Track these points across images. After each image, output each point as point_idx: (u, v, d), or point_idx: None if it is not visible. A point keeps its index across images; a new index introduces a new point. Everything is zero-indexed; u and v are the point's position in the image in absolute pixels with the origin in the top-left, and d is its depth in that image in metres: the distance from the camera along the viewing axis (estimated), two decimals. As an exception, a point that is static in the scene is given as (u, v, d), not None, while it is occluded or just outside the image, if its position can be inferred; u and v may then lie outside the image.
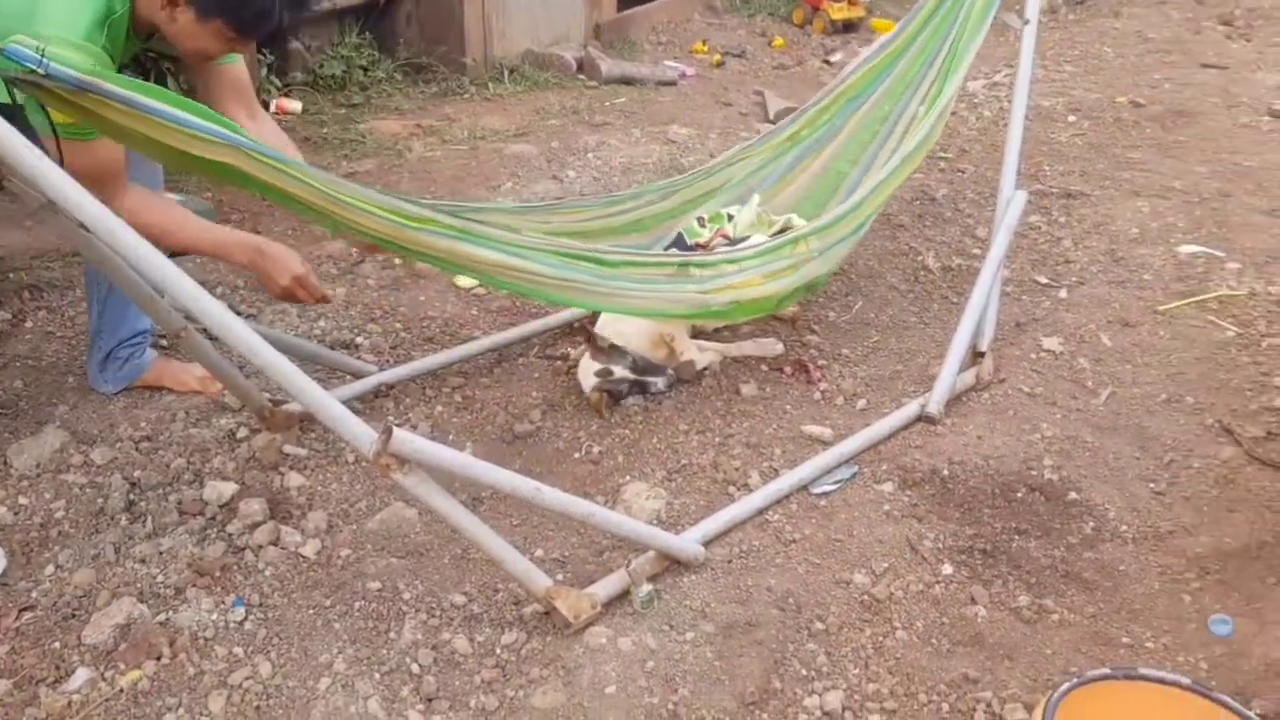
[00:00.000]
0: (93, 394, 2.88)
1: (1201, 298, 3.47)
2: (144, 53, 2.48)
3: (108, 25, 2.20)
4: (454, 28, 5.71)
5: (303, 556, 2.33)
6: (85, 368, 2.91)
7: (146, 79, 4.28)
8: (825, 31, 7.18)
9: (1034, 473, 2.62)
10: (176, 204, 2.33)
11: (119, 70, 2.19)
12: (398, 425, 2.13)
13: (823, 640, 2.12)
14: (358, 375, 2.94)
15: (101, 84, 1.82)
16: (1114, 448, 2.72)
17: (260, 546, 2.34)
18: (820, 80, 5.93)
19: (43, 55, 1.76)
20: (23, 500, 2.49)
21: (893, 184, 3.13)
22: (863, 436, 2.71)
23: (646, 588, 2.19)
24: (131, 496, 2.50)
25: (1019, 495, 2.55)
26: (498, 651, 2.08)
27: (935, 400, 2.80)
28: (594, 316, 3.03)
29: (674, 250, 3.19)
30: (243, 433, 2.73)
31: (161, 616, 2.15)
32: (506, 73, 5.88)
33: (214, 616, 2.15)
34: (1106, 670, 1.85)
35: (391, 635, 2.12)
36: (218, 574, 2.27)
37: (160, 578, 2.26)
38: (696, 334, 3.15)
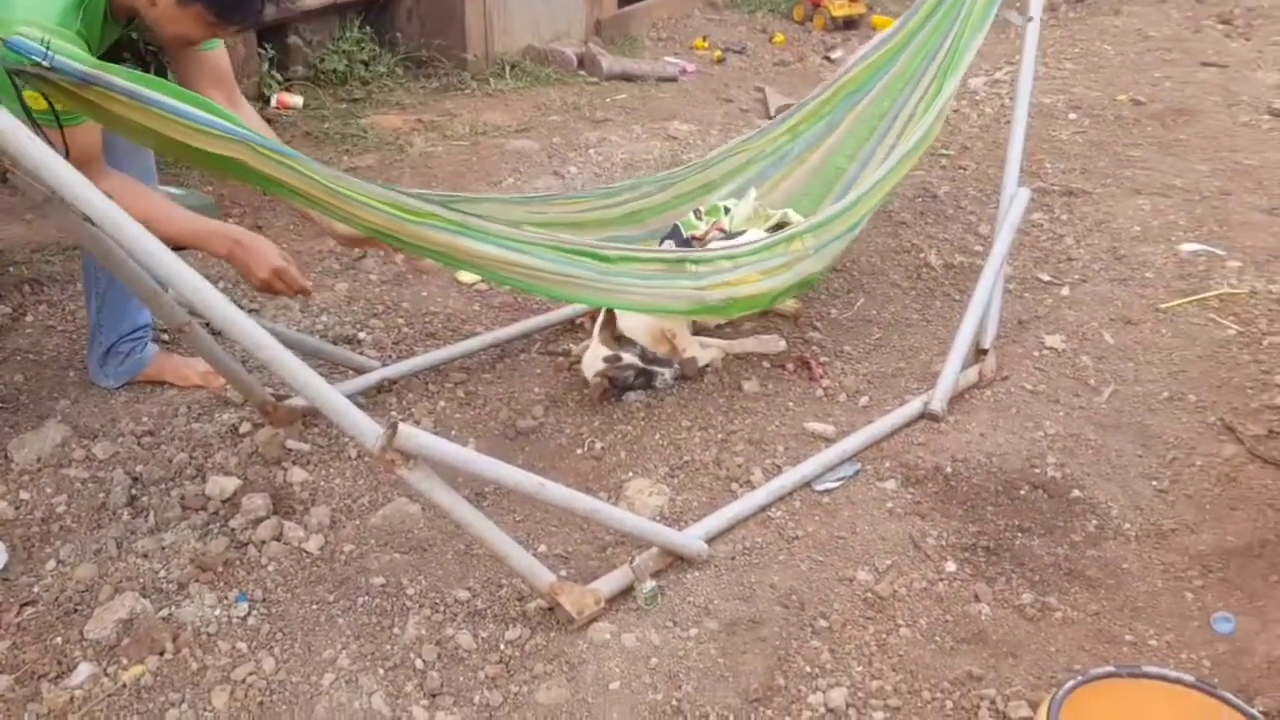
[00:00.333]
0: (94, 388, 2.87)
1: (1203, 296, 3.47)
2: (126, 38, 2.46)
3: (83, 9, 2.17)
4: (455, 23, 5.70)
5: (306, 552, 2.33)
6: (86, 362, 2.90)
7: (147, 70, 4.29)
8: (826, 28, 7.17)
9: (1037, 470, 2.62)
10: (155, 193, 2.30)
11: (99, 57, 2.17)
12: (401, 421, 2.13)
13: (826, 637, 2.13)
14: (360, 371, 2.94)
15: (106, 77, 1.82)
16: (1116, 445, 2.72)
17: (263, 542, 2.34)
18: (821, 77, 5.92)
19: (48, 48, 1.75)
20: (24, 495, 2.49)
21: (889, 183, 3.13)
22: (865, 433, 2.71)
23: (650, 584, 2.19)
24: (133, 491, 2.50)
25: (1022, 493, 2.55)
26: (501, 647, 2.08)
27: (938, 397, 2.80)
28: (595, 312, 3.02)
29: (670, 243, 3.19)
30: (245, 428, 2.72)
31: (164, 612, 2.15)
32: (507, 68, 5.87)
33: (217, 612, 2.15)
34: (1111, 668, 1.85)
35: (395, 631, 2.12)
36: (220, 569, 2.26)
37: (163, 573, 2.25)
38: (698, 330, 3.15)
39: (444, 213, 2.28)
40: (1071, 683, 1.77)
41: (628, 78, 6.01)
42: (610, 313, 2.92)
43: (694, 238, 3.19)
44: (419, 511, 2.45)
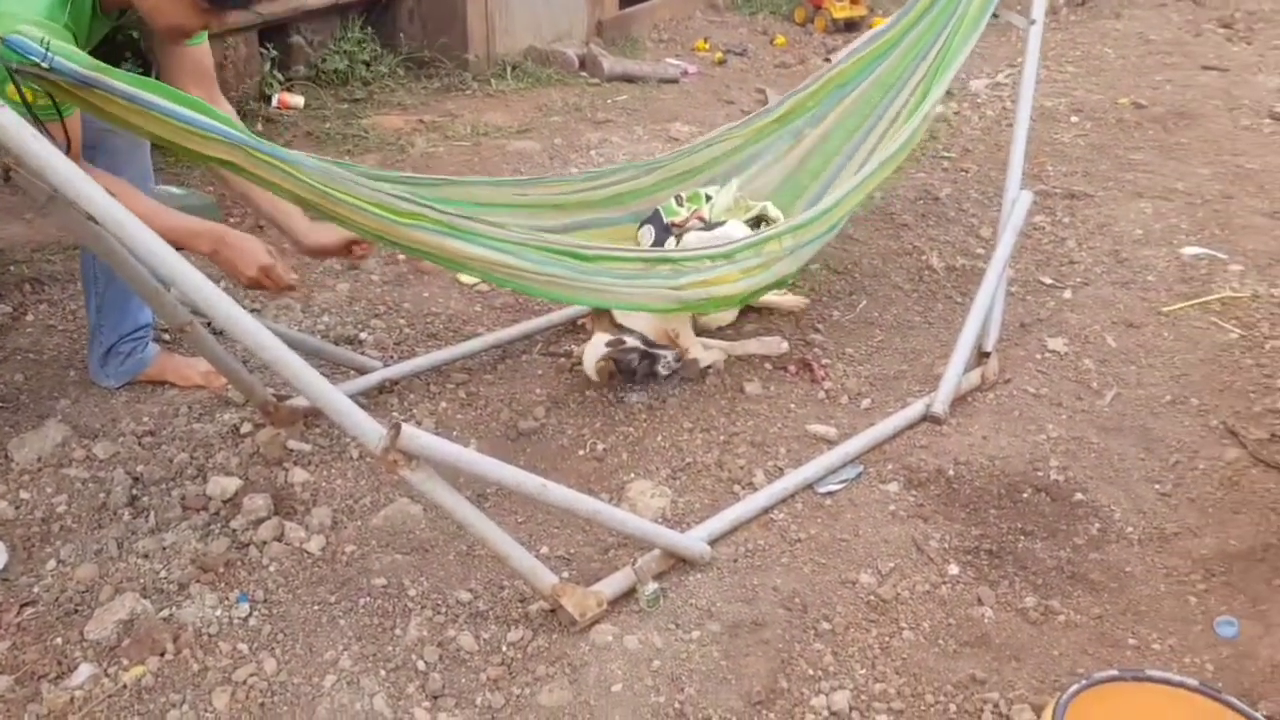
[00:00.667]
0: (94, 388, 2.86)
1: (1205, 299, 3.47)
2: (127, 39, 2.45)
3: (70, 2, 2.15)
4: (456, 23, 5.69)
5: (307, 552, 2.32)
6: (86, 362, 2.89)
7: (147, 73, 4.29)
8: (827, 30, 7.17)
9: (1040, 473, 2.62)
10: (139, 192, 2.29)
11: (91, 52, 2.16)
12: (403, 421, 2.12)
13: (829, 640, 2.12)
14: (362, 371, 2.93)
15: (105, 80, 1.83)
16: (1119, 449, 2.72)
17: (264, 542, 2.33)
18: (822, 79, 5.92)
19: (47, 48, 1.75)
20: (24, 494, 2.48)
21: (868, 187, 3.12)
22: (868, 436, 2.71)
23: (652, 586, 2.18)
24: (134, 491, 2.49)
25: (1025, 496, 2.55)
26: (503, 649, 2.08)
27: (940, 400, 2.80)
28: (596, 312, 3.02)
29: (649, 228, 3.19)
30: (246, 428, 2.71)
31: (165, 612, 2.14)
32: (509, 69, 5.86)
33: (218, 612, 2.14)
34: (1115, 672, 1.85)
35: (397, 632, 2.11)
36: (221, 570, 2.26)
37: (164, 573, 2.25)
38: (700, 332, 3.14)
39: (431, 214, 2.29)
40: (1076, 686, 1.77)
41: (629, 79, 6.01)
42: (595, 319, 2.92)
43: (674, 224, 3.18)
44: (421, 512, 2.45)
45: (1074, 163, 4.71)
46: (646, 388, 2.96)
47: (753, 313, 3.35)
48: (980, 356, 3.02)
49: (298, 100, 5.08)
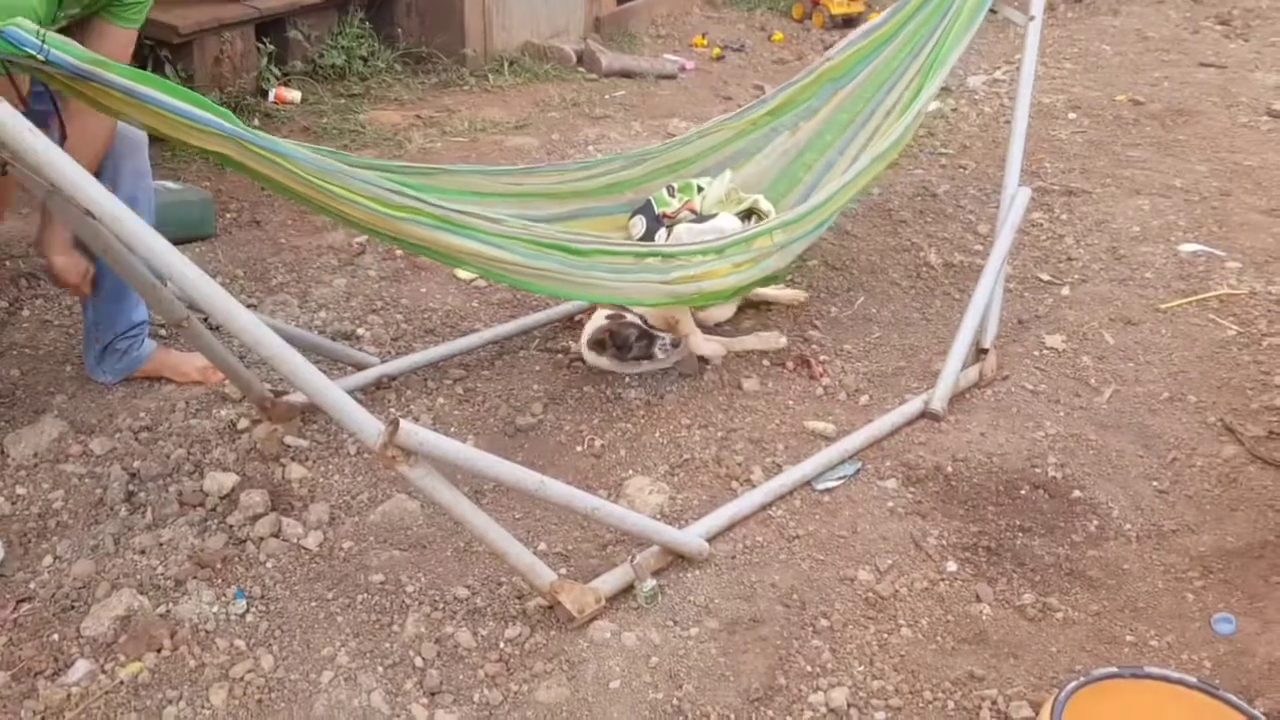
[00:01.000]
0: (91, 383, 2.85)
1: (1203, 296, 3.47)
2: (85, 17, 2.39)
3: None
4: (454, 19, 5.68)
5: (304, 549, 2.31)
6: (83, 358, 2.88)
7: (144, 66, 4.28)
8: (825, 26, 7.16)
9: (1038, 470, 2.62)
10: None
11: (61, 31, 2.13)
12: (401, 417, 2.12)
13: (827, 637, 2.12)
14: (359, 367, 2.93)
15: (101, 73, 1.82)
16: (1117, 446, 2.72)
17: (261, 538, 2.33)
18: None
19: (43, 41, 1.74)
20: (20, 490, 2.47)
21: (860, 183, 3.12)
22: (866, 432, 2.71)
23: (650, 583, 2.18)
24: (131, 487, 2.48)
25: (1023, 493, 2.55)
26: (501, 645, 2.08)
27: (938, 397, 2.79)
28: (594, 308, 3.02)
29: (641, 218, 3.18)
30: (243, 424, 2.71)
31: (162, 608, 2.14)
32: (506, 64, 5.85)
33: (215, 609, 2.14)
34: (1113, 669, 1.84)
35: (394, 628, 2.11)
36: (219, 566, 2.25)
37: (160, 569, 2.24)
38: (699, 328, 3.14)
39: (425, 208, 2.29)
40: (1074, 683, 1.76)
41: (627, 74, 6.00)
42: (590, 316, 2.93)
43: (665, 215, 3.17)
44: (418, 508, 2.44)
45: (1072, 160, 4.71)
46: (644, 383, 2.96)
47: (750, 308, 3.35)
48: (978, 353, 3.02)
49: (295, 95, 5.06)
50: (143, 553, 2.29)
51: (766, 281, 3.16)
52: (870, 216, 4.08)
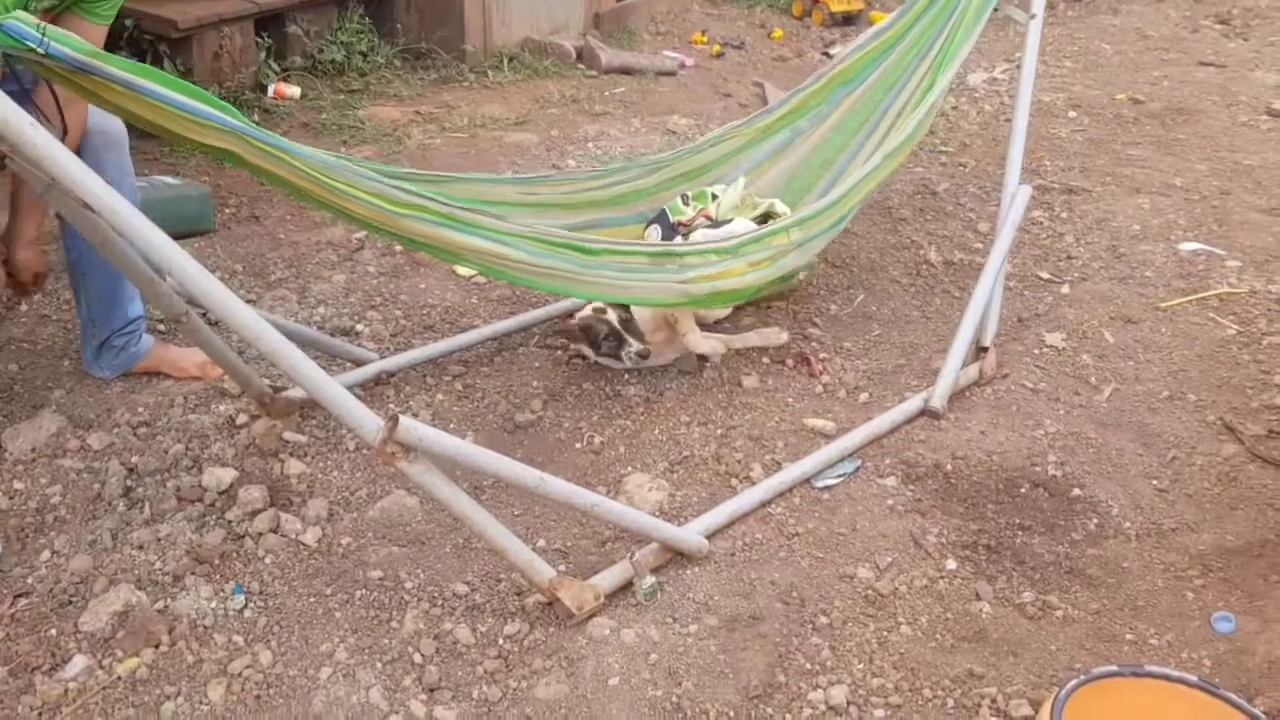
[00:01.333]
0: (89, 378, 2.85)
1: (1203, 295, 3.47)
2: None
3: None
4: (454, 14, 5.67)
5: (303, 544, 2.31)
6: (80, 353, 2.87)
7: (143, 60, 4.27)
8: (824, 24, 7.15)
9: (1037, 469, 2.61)
10: None
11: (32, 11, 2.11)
12: (401, 413, 2.11)
13: (827, 634, 2.12)
14: (358, 363, 2.92)
15: (102, 66, 1.82)
16: (1117, 444, 2.72)
17: (260, 534, 2.32)
18: (820, 73, 5.91)
19: (43, 35, 1.74)
20: (18, 485, 2.47)
21: (876, 179, 3.12)
22: (865, 430, 2.71)
23: (650, 580, 2.18)
24: (129, 482, 2.48)
25: (1023, 491, 2.54)
26: (500, 642, 2.07)
27: (938, 395, 2.79)
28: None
29: (656, 227, 3.18)
30: (242, 419, 2.70)
31: (160, 604, 2.13)
32: (506, 61, 5.84)
33: (213, 604, 2.13)
34: (1113, 667, 1.84)
35: (393, 625, 2.10)
36: (217, 561, 2.25)
37: (159, 565, 2.24)
38: (699, 325, 3.13)
39: (431, 205, 2.28)
40: (1074, 682, 1.76)
41: (626, 71, 5.99)
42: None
43: (680, 224, 3.17)
44: (417, 504, 2.44)
45: (1072, 158, 4.71)
46: (644, 380, 2.96)
47: (750, 306, 3.35)
48: (978, 351, 3.02)
49: (294, 91, 5.05)
50: (141, 548, 2.28)
51: (785, 279, 3.14)
52: (870, 214, 4.07)
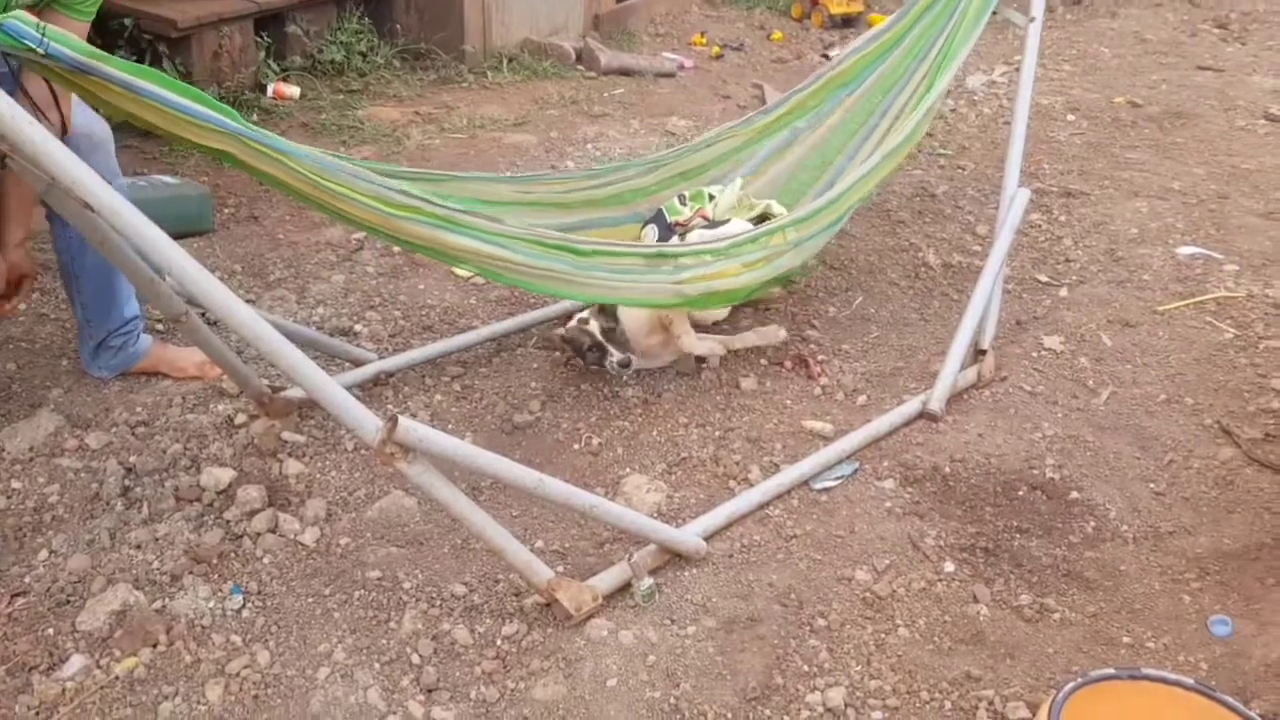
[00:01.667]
0: (87, 378, 2.85)
1: (1200, 299, 3.48)
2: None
3: None
4: (453, 15, 5.67)
5: (301, 544, 2.31)
6: (79, 352, 2.87)
7: (142, 60, 4.27)
8: (824, 26, 7.16)
9: (1035, 471, 2.62)
10: None
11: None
12: (400, 414, 2.11)
13: (825, 636, 2.12)
14: (357, 363, 2.92)
15: (101, 67, 1.83)
16: (1115, 447, 2.72)
17: (258, 534, 2.32)
18: (819, 75, 5.90)
19: (43, 35, 1.74)
20: (15, 484, 2.46)
21: (873, 180, 3.13)
22: (864, 432, 2.71)
23: (648, 581, 2.18)
24: (127, 482, 2.47)
25: (1020, 494, 2.55)
26: (498, 643, 2.07)
27: (937, 397, 2.79)
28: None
29: (653, 228, 3.18)
30: (241, 419, 2.70)
31: (158, 604, 2.13)
32: (505, 62, 5.84)
33: (211, 604, 2.13)
34: (1110, 670, 1.84)
35: (391, 625, 2.10)
36: (215, 561, 2.25)
37: (156, 564, 2.24)
38: (696, 327, 3.14)
39: (428, 207, 2.28)
40: (1071, 684, 1.76)
41: (625, 73, 5.99)
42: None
43: (677, 224, 3.17)
44: (415, 505, 2.44)
45: (1070, 161, 4.72)
46: (642, 382, 2.96)
47: (748, 307, 3.35)
48: (976, 354, 3.02)
49: (293, 91, 5.05)
50: (139, 548, 2.28)
51: (780, 280, 3.15)
52: (869, 217, 4.07)
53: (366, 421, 1.81)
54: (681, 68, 6.17)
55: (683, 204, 3.23)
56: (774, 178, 3.47)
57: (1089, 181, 4.48)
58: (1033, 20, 3.31)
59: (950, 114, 5.32)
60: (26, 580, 2.19)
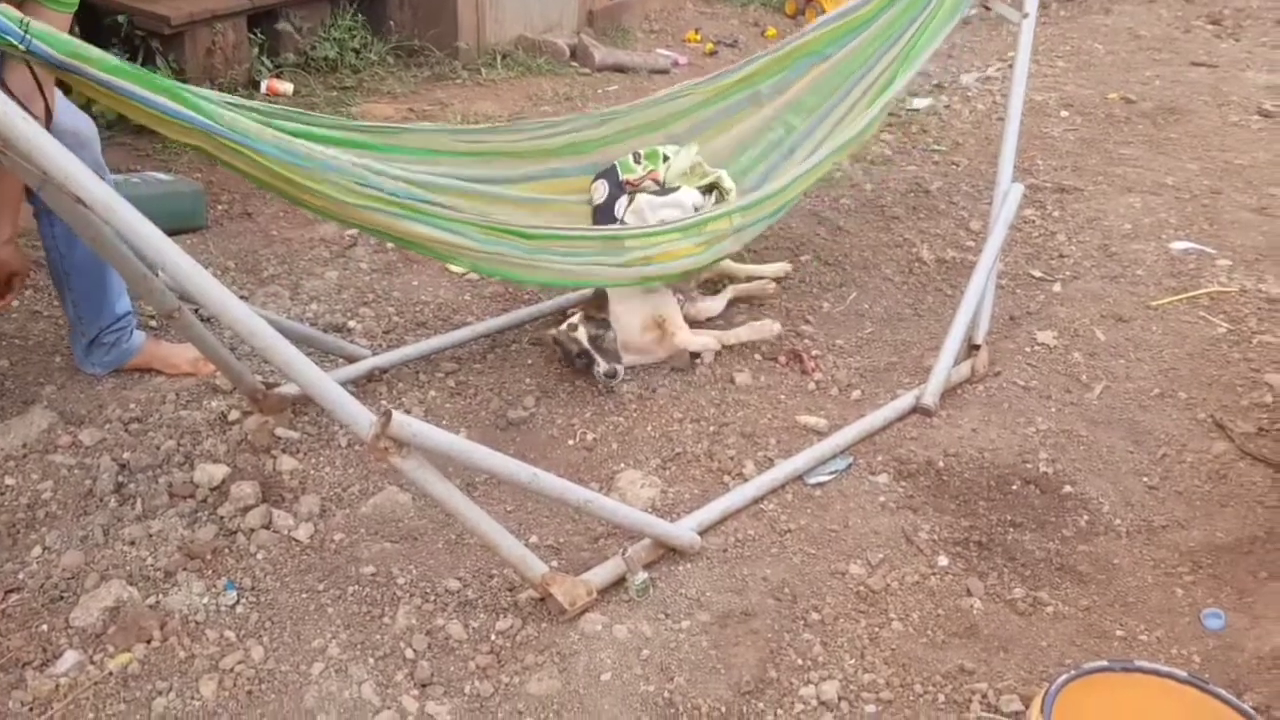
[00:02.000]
0: (80, 374, 2.84)
1: (1193, 294, 3.49)
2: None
3: None
4: (447, 11, 5.66)
5: (295, 540, 2.31)
6: (72, 349, 2.86)
7: (134, 58, 4.26)
8: (818, 23, 7.16)
9: (1029, 466, 2.62)
10: None
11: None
12: (394, 409, 2.11)
13: (818, 630, 2.12)
14: (350, 359, 2.92)
15: (82, 67, 1.87)
16: (1108, 442, 2.73)
17: (252, 530, 2.32)
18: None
19: (26, 31, 1.74)
20: (9, 480, 2.46)
21: (819, 172, 3.15)
22: (858, 427, 2.71)
23: (642, 575, 2.18)
24: (120, 478, 2.47)
25: (1014, 488, 2.55)
26: (492, 638, 2.07)
27: (930, 392, 2.80)
28: (588, 303, 3.01)
29: (603, 182, 3.15)
30: (234, 415, 2.70)
31: (151, 599, 2.13)
32: (499, 58, 5.84)
33: (205, 600, 2.13)
34: (1104, 663, 1.85)
35: (385, 620, 2.10)
36: (209, 557, 2.24)
37: (150, 560, 2.23)
38: (690, 323, 3.14)
39: (386, 195, 2.35)
40: (1065, 677, 1.76)
41: (620, 69, 5.99)
42: (602, 293, 2.94)
43: (629, 182, 3.15)
44: (409, 500, 2.44)
45: (1064, 157, 4.72)
46: (636, 377, 2.96)
47: (743, 302, 3.35)
48: (970, 349, 3.02)
49: (287, 87, 5.04)
50: (132, 544, 2.28)
51: (718, 262, 3.20)
52: (863, 212, 4.08)
53: (360, 417, 1.81)
54: (675, 64, 6.17)
55: (636, 162, 3.19)
56: (728, 143, 3.41)
57: (1083, 177, 4.49)
58: (1026, 16, 3.32)
59: (945, 110, 5.33)
60: (20, 576, 2.19)
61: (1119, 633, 2.15)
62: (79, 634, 2.04)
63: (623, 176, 3.17)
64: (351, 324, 3.19)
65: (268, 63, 5.11)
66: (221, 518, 2.35)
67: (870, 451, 2.68)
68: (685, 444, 2.69)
